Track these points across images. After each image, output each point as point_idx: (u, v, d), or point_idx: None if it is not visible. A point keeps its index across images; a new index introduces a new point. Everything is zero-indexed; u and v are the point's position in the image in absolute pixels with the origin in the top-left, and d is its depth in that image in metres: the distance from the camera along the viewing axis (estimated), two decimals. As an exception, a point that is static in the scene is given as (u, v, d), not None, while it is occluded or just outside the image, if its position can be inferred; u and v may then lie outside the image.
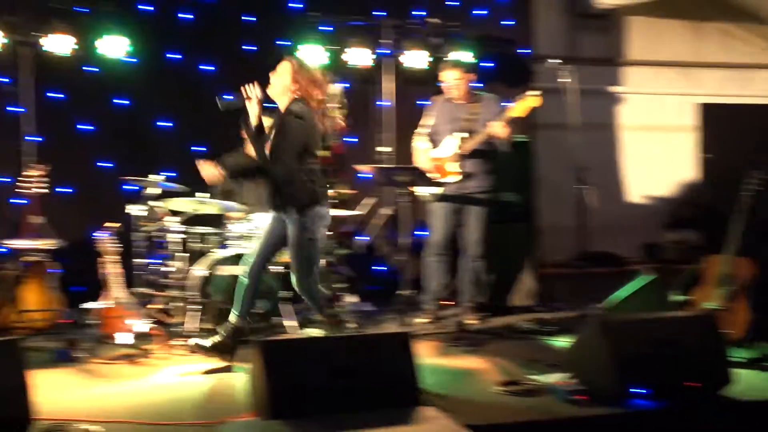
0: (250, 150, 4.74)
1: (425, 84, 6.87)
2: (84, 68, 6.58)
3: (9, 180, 6.32)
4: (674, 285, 5.20)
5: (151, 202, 5.45)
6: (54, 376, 4.34)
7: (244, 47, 6.94)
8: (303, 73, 4.57)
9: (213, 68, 6.84)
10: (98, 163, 6.69)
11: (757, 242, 4.88)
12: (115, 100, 6.73)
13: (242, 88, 4.52)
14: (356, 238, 6.66)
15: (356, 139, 6.82)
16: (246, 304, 4.67)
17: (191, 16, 6.89)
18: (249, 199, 5.69)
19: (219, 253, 5.38)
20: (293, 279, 4.61)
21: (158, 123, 6.61)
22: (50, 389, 3.88)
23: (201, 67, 6.86)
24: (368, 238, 6.76)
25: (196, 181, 5.41)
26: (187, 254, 5.36)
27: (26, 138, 6.34)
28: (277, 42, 7.02)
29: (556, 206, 7.17)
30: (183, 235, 5.38)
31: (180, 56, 6.84)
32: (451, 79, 5.67)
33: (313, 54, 6.85)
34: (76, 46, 6.37)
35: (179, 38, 6.88)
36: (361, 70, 7.10)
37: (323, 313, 4.73)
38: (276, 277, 5.38)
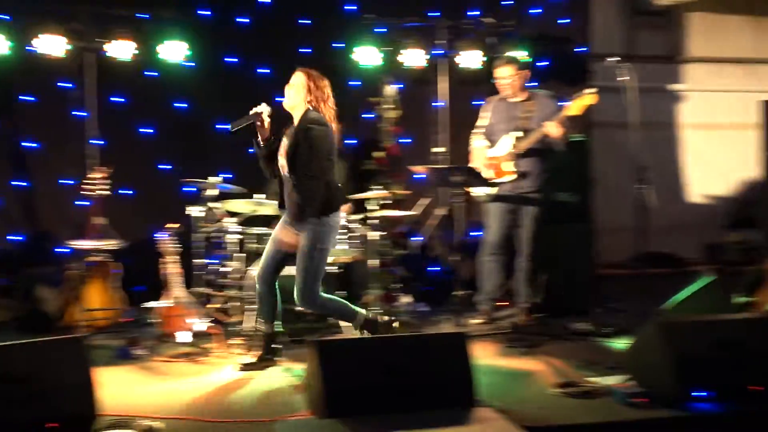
0: None
1: (480, 84, 6.84)
2: (144, 73, 6.75)
3: (73, 182, 6.52)
4: (736, 286, 5.08)
5: (209, 204, 5.55)
6: (116, 374, 4.45)
7: (299, 50, 7.01)
8: (317, 83, 4.54)
9: (269, 71, 6.92)
10: (158, 165, 6.85)
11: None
12: (174, 104, 6.87)
13: (251, 108, 4.53)
14: (411, 238, 6.67)
15: (410, 140, 6.83)
16: (267, 310, 4.61)
17: (248, 20, 7.00)
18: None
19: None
20: (295, 289, 4.47)
21: (216, 126, 6.72)
22: (112, 386, 3.98)
23: (258, 70, 6.95)
24: (423, 239, 6.76)
25: (253, 183, 5.49)
26: (245, 255, 5.44)
27: (90, 141, 6.52)
28: (333, 44, 7.08)
29: (614, 206, 7.07)
30: (240, 236, 5.46)
31: (237, 60, 6.95)
32: (504, 76, 5.62)
33: (368, 55, 6.89)
34: (137, 52, 6.52)
35: (236, 42, 6.98)
36: (416, 71, 7.10)
37: (354, 322, 4.59)
38: (332, 278, 5.42)
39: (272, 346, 4.61)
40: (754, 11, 8.30)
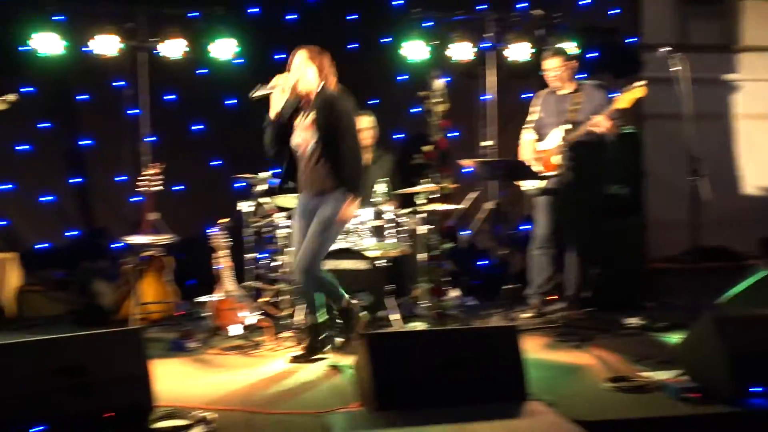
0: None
1: (528, 77, 6.79)
2: (195, 71, 6.85)
3: (127, 179, 6.66)
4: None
5: (259, 199, 5.62)
6: (170, 366, 4.53)
7: (347, 45, 7.04)
8: (322, 58, 4.58)
9: (317, 67, 6.97)
10: (209, 162, 6.95)
11: None
12: (224, 101, 6.97)
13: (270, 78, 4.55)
14: (459, 232, 6.66)
15: (458, 134, 6.81)
16: (309, 301, 4.63)
17: (296, 16, 7.05)
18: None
19: (325, 248, 5.48)
20: (299, 258, 4.49)
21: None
22: (166, 378, 4.06)
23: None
24: (471, 232, 6.74)
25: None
26: (294, 249, 5.48)
27: (144, 139, 6.65)
28: (380, 39, 7.09)
29: (666, 199, 6.95)
30: (290, 230, 5.51)
31: (286, 56, 6.98)
32: (552, 67, 5.58)
33: (415, 50, 6.89)
34: (188, 50, 6.63)
35: (285, 38, 7.01)
36: (463, 65, 7.08)
37: (337, 303, 4.64)
38: (381, 271, 5.44)
39: (319, 336, 4.65)
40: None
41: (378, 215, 5.65)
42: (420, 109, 6.24)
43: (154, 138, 6.74)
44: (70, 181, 6.90)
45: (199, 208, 6.70)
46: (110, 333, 3.71)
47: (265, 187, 5.55)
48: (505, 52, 7.04)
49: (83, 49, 6.50)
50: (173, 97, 6.96)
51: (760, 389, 3.46)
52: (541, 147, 5.63)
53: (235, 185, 6.15)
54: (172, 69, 6.73)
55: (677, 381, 3.73)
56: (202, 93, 6.92)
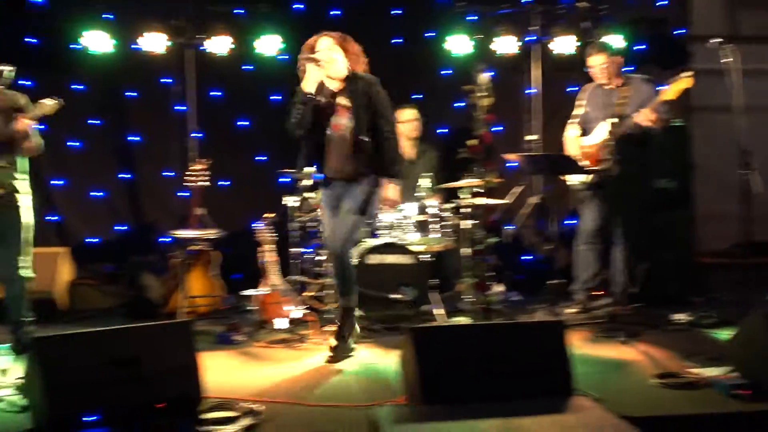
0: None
1: (573, 70, 6.71)
2: (241, 67, 6.92)
3: (174, 174, 6.77)
4: None
5: (304, 194, 5.66)
6: (217, 358, 4.60)
7: (391, 40, 7.05)
8: (349, 43, 4.53)
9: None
10: (255, 157, 7.02)
11: None
12: (270, 96, 7.03)
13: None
14: (503, 227, 6.62)
15: (502, 128, 6.77)
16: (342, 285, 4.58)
17: (340, 12, 7.08)
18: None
19: (369, 242, 5.51)
20: (336, 237, 4.47)
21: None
22: (214, 370, 4.11)
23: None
24: (515, 227, 6.71)
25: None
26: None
27: (191, 135, 6.74)
28: (424, 33, 7.09)
29: (715, 192, 6.84)
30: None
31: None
32: (597, 64, 5.51)
33: (459, 44, 6.87)
34: (233, 47, 6.70)
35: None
36: (508, 58, 7.02)
37: (344, 298, 4.58)
38: (425, 266, 5.45)
39: (350, 321, 4.60)
40: None
41: (422, 210, 5.65)
42: (464, 104, 6.23)
43: (200, 134, 6.83)
44: (120, 176, 7.03)
45: (244, 203, 6.77)
46: (162, 325, 3.78)
47: (309, 182, 5.59)
48: (550, 46, 6.97)
49: (132, 46, 6.62)
50: (219, 93, 7.04)
51: (814, 387, 3.40)
52: (587, 141, 5.57)
53: (281, 180, 6.21)
54: (218, 65, 6.81)
55: (727, 378, 3.68)
56: (247, 89, 6.99)
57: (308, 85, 4.41)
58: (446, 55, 6.97)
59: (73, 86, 6.77)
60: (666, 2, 7.34)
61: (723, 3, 7.85)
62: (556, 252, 6.41)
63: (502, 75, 6.85)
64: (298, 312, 5.35)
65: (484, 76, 5.00)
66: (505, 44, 6.90)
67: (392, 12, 7.12)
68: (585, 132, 5.63)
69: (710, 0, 7.77)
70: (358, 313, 4.70)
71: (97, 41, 6.53)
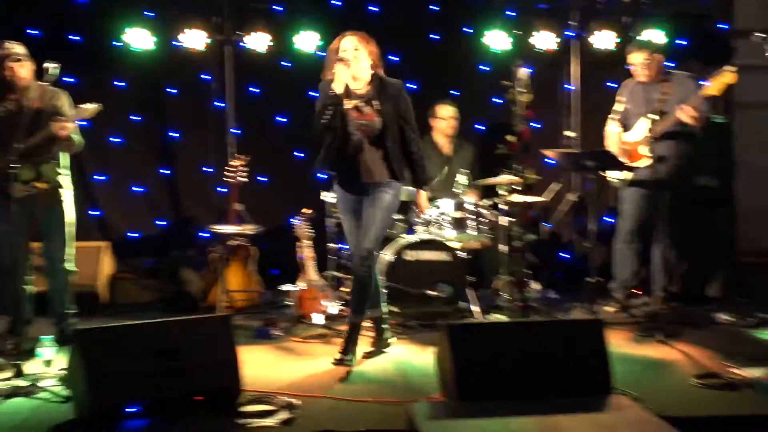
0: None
1: (613, 66, 6.64)
2: (280, 63, 6.97)
3: (213, 170, 6.84)
4: None
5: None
6: (254, 352, 4.64)
7: (429, 36, 7.03)
8: (373, 45, 4.49)
9: (398, 59, 6.97)
10: (293, 153, 7.06)
11: None
12: (308, 93, 7.04)
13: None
14: (542, 224, 6.58)
15: (540, 124, 6.72)
16: (374, 292, 4.56)
17: (378, 9, 7.08)
18: (435, 186, 5.81)
19: (406, 239, 5.51)
20: (367, 237, 4.35)
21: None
22: (252, 364, 4.14)
23: (388, 57, 7.01)
24: (553, 225, 6.66)
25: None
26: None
27: (230, 131, 6.80)
28: (462, 29, 7.06)
29: (759, 190, 6.71)
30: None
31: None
32: (638, 62, 5.43)
33: (498, 40, 6.84)
34: (272, 43, 6.75)
35: (367, 30, 7.04)
36: (547, 54, 6.97)
37: (374, 309, 4.57)
38: (462, 263, 5.44)
39: (382, 327, 4.66)
40: None
41: (459, 206, 5.64)
42: (501, 100, 6.20)
43: (239, 130, 6.89)
44: (160, 172, 7.12)
45: (282, 199, 6.82)
46: (202, 319, 3.83)
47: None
48: (590, 40, 6.91)
49: (172, 43, 6.70)
50: (258, 90, 7.09)
51: None
52: (628, 138, 5.51)
53: (318, 176, 6.24)
54: (256, 62, 6.87)
55: (770, 379, 3.62)
56: (286, 86, 7.02)
57: (337, 86, 4.34)
58: (484, 51, 6.94)
59: (114, 83, 6.87)
60: (709, -4, 7.22)
61: (768, -3, 7.70)
62: (594, 250, 6.35)
63: (541, 71, 6.79)
64: (334, 308, 5.37)
65: (523, 72, 4.97)
66: (544, 40, 6.86)
67: (430, 7, 7.10)
68: (625, 128, 5.56)
69: (755, -7, 7.62)
70: (388, 309, 4.71)
71: (139, 39, 6.62)
